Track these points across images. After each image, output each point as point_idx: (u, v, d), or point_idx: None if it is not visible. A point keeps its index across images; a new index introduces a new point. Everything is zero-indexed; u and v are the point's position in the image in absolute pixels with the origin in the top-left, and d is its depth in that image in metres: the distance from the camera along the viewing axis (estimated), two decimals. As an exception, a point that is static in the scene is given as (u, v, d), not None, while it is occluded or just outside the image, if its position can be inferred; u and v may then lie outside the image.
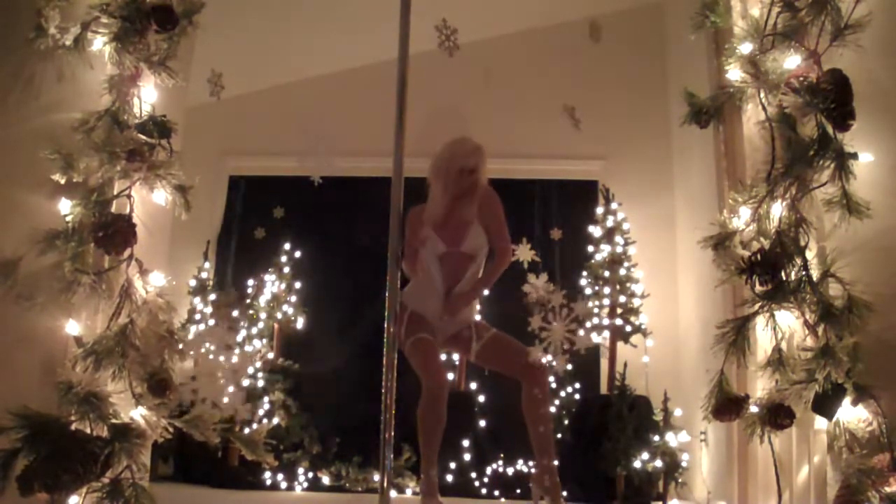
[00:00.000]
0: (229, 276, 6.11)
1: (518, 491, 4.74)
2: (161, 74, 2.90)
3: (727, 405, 2.64)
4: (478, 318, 3.27)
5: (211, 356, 5.00)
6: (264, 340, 5.56)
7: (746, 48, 2.77)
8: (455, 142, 3.23)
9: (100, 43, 2.84)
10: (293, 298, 5.76)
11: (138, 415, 2.67)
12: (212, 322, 5.69)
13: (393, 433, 2.77)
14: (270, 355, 5.49)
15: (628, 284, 5.24)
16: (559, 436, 4.99)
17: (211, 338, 5.11)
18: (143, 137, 2.83)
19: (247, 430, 4.81)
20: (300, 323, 5.77)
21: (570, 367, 5.23)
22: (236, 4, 4.84)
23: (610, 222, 5.40)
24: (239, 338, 5.50)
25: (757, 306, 2.61)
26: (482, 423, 5.21)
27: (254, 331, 5.57)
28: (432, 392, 3.05)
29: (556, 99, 5.89)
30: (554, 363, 5.07)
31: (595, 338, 5.21)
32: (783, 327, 2.62)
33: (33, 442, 2.41)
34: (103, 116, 2.82)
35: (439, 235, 3.20)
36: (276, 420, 5.12)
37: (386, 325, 2.82)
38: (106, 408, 2.56)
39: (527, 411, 3.07)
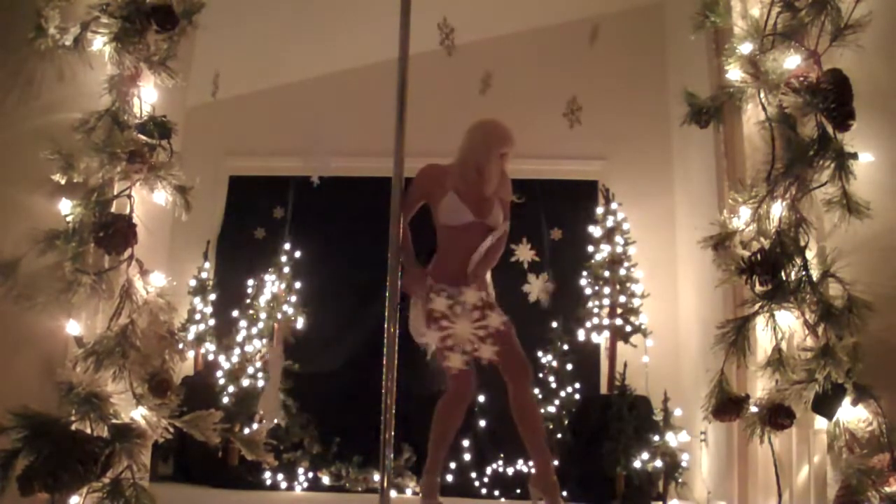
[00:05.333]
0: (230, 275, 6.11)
1: (518, 491, 4.74)
2: (161, 74, 2.89)
3: (727, 405, 2.64)
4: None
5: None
6: (264, 340, 5.56)
7: (746, 48, 2.76)
8: (495, 125, 3.29)
9: (100, 43, 2.84)
10: (293, 298, 5.76)
11: (139, 415, 2.68)
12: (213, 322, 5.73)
13: (393, 433, 2.77)
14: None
15: (628, 284, 5.24)
16: (559, 436, 5.00)
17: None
18: (144, 138, 2.83)
19: (246, 430, 4.83)
20: (300, 323, 5.76)
21: (570, 367, 5.23)
22: (236, 4, 4.84)
23: (610, 222, 5.39)
24: (239, 338, 5.51)
25: (757, 306, 2.61)
26: (482, 423, 5.21)
27: (254, 331, 5.57)
28: (458, 392, 3.09)
29: (557, 99, 5.92)
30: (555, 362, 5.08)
31: (595, 337, 5.23)
32: (783, 327, 2.62)
33: (34, 442, 2.41)
34: (103, 116, 2.82)
35: (466, 205, 3.18)
36: (276, 420, 5.12)
37: (386, 326, 2.83)
38: (107, 408, 2.56)
39: (514, 413, 3.08)
